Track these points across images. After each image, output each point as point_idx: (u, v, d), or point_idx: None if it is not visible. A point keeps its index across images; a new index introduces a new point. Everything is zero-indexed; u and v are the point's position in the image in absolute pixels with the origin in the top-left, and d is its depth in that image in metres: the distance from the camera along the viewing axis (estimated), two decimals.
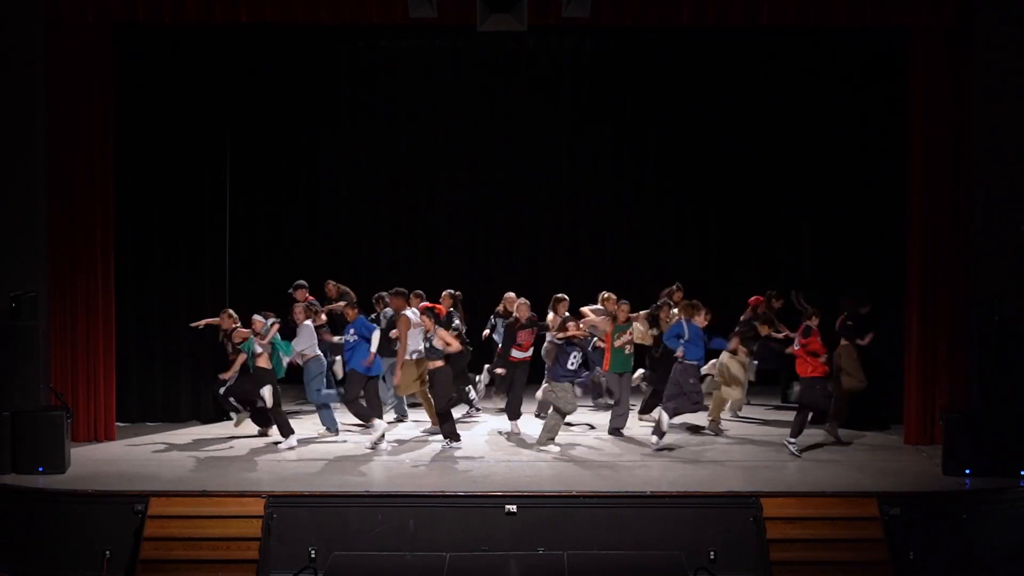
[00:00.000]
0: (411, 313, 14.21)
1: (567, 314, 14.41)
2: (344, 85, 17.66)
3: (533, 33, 14.40)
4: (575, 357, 13.95)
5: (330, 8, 14.00)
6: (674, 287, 15.66)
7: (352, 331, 14.24)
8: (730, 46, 16.62)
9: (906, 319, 14.56)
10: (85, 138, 14.18)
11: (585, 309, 15.26)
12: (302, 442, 14.27)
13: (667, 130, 17.69)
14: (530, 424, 14.90)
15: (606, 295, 15.23)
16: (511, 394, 14.78)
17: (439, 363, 13.91)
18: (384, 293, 15.23)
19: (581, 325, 14.18)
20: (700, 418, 14.98)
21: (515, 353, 14.63)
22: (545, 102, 17.71)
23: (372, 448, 13.96)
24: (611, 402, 15.16)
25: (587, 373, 14.97)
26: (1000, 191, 13.85)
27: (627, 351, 14.61)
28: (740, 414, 15.74)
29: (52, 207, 14.13)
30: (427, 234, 17.96)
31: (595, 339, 15.27)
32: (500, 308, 15.80)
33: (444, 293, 15.29)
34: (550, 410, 14.23)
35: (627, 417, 14.80)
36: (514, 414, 14.76)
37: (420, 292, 14.89)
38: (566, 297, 14.81)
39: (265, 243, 17.84)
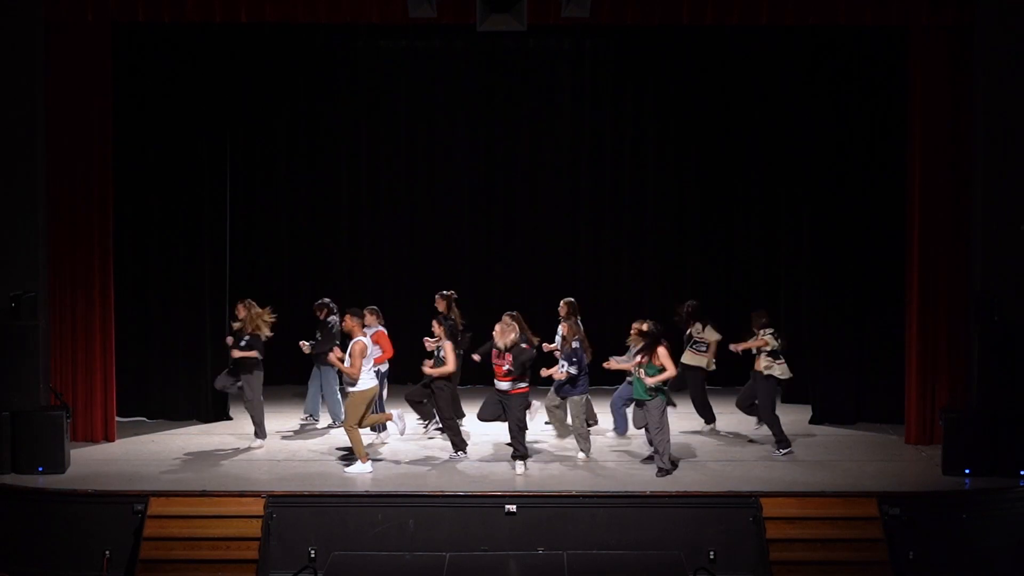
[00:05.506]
0: (366, 339, 13.24)
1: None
2: (343, 85, 17.62)
3: (533, 33, 14.38)
4: (563, 367, 13.45)
5: (329, 8, 13.98)
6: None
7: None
8: (730, 46, 16.63)
9: (906, 319, 14.56)
10: (85, 138, 14.17)
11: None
12: (302, 440, 14.32)
13: (667, 130, 17.66)
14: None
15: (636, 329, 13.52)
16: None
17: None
18: (329, 300, 14.97)
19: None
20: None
21: (497, 383, 13.06)
22: (545, 102, 17.68)
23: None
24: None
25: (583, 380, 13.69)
26: (1000, 191, 13.83)
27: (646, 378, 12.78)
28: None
29: (51, 207, 14.11)
30: (426, 233, 17.92)
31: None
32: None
33: (437, 296, 14.88)
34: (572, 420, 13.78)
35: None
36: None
37: (375, 308, 14.38)
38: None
39: (264, 242, 17.81)
